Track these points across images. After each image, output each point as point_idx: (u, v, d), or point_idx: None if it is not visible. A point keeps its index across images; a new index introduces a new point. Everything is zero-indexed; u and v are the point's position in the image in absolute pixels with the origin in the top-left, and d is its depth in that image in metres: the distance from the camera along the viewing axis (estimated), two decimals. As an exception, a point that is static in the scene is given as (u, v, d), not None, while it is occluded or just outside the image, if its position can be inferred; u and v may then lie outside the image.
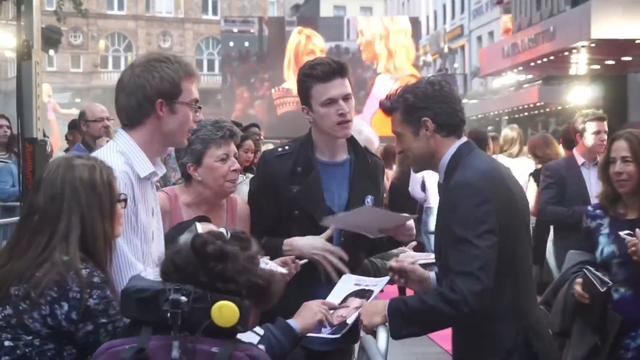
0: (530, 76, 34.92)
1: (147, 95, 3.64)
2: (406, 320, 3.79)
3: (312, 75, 4.43)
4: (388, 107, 3.98)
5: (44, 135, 9.63)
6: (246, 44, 45.96)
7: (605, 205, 4.83)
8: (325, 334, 3.86)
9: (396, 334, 3.81)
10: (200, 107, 3.82)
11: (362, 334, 3.91)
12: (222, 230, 3.05)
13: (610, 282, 4.44)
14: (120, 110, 3.74)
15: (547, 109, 33.85)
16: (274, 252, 4.29)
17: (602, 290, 4.38)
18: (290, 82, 40.40)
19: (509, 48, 31.05)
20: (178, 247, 3.04)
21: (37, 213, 3.24)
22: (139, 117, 3.69)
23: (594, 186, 7.17)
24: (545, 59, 28.25)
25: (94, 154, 3.74)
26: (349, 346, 4.54)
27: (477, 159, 3.91)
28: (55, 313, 3.09)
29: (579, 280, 4.53)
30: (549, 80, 33.11)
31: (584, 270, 4.50)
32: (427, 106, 3.87)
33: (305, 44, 43.57)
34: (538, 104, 33.87)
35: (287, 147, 4.58)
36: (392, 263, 4.10)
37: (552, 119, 33.83)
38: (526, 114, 36.22)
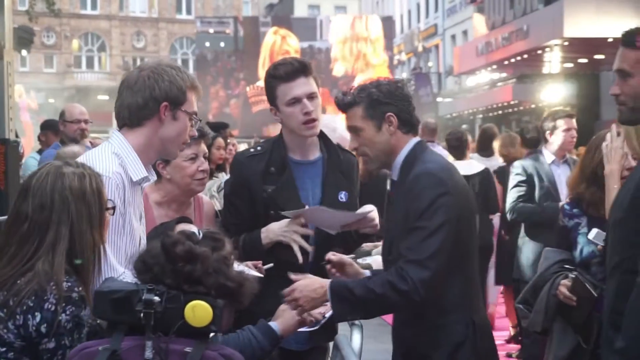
0: (504, 74, 35.11)
1: (155, 95, 3.64)
2: (352, 307, 3.79)
3: (275, 76, 4.47)
4: (348, 101, 3.98)
5: (16, 136, 9.58)
6: (222, 44, 47.02)
7: (584, 205, 4.81)
8: (303, 328, 3.86)
9: (339, 318, 3.87)
10: (198, 121, 3.83)
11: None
12: (194, 230, 3.04)
13: (600, 286, 4.42)
14: (122, 108, 3.70)
15: (521, 107, 33.99)
16: (255, 244, 4.36)
17: (595, 295, 4.38)
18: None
19: (483, 46, 31.21)
20: (149, 246, 3.03)
21: (26, 221, 3.17)
22: (140, 118, 3.67)
23: (563, 184, 7.22)
24: (518, 57, 28.44)
25: (86, 154, 3.73)
26: (324, 344, 4.54)
27: (433, 155, 4.00)
28: (27, 324, 3.01)
29: (566, 282, 4.53)
30: (523, 79, 33.29)
31: (576, 274, 4.51)
32: (392, 102, 3.93)
33: (281, 44, 44.58)
34: (512, 102, 34.01)
35: (259, 148, 4.60)
36: (330, 255, 4.09)
37: (526, 117, 33.95)
38: (500, 112, 36.36)
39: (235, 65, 45.51)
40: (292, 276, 3.89)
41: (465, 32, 48.47)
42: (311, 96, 4.44)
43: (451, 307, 3.80)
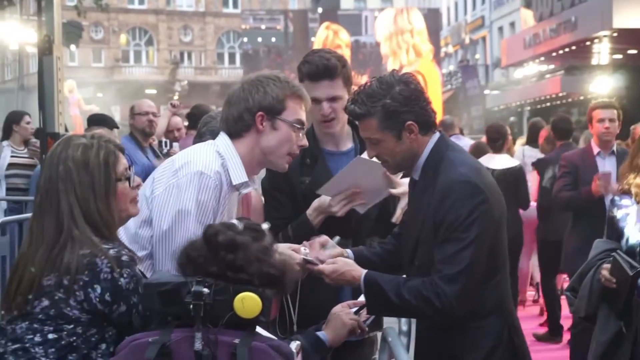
0: (552, 66, 34.76)
1: (249, 107, 3.68)
2: (385, 308, 3.75)
3: (301, 71, 4.48)
4: (359, 114, 3.75)
5: (66, 130, 9.68)
6: (273, 39, 49.40)
7: (634, 195, 4.78)
8: (352, 338, 3.82)
9: (373, 312, 3.80)
10: (304, 129, 3.81)
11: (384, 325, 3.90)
12: (234, 221, 3.05)
13: (639, 266, 4.42)
14: (222, 122, 3.77)
15: (570, 99, 33.66)
16: (304, 228, 4.35)
17: (630, 274, 4.38)
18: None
19: (531, 38, 30.94)
20: (192, 239, 3.05)
21: (39, 192, 3.27)
22: (239, 130, 3.71)
23: (611, 176, 7.16)
24: (567, 49, 28.14)
25: (190, 148, 3.81)
26: (372, 335, 4.53)
27: (460, 154, 3.82)
28: (89, 297, 3.09)
29: (607, 265, 4.51)
30: (571, 71, 32.95)
31: (614, 254, 4.49)
32: (409, 109, 3.70)
33: (333, 39, 45.62)
34: (560, 95, 33.70)
35: None
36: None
37: (575, 109, 33.64)
38: (548, 104, 36.04)
39: (286, 60, 45.94)
40: (322, 267, 3.84)
41: (512, 24, 48.10)
42: (333, 99, 4.42)
43: (486, 311, 3.73)
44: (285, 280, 3.03)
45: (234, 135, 3.72)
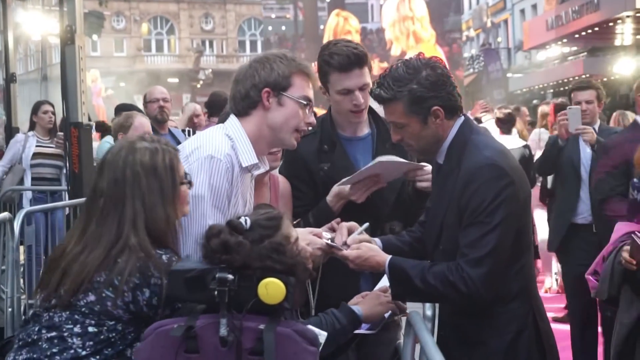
0: (574, 48, 34.55)
1: (255, 83, 3.69)
2: (410, 293, 3.74)
3: (330, 64, 4.45)
4: (386, 97, 3.72)
5: (89, 120, 9.71)
6: (283, 27, 53.25)
7: None
8: (363, 329, 3.82)
9: (397, 297, 3.79)
10: (311, 106, 3.81)
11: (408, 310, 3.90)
12: (242, 219, 3.06)
13: None
14: (230, 100, 3.79)
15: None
16: (325, 213, 4.36)
17: None
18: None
19: (553, 20, 30.74)
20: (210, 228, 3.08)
21: (102, 196, 3.26)
22: (246, 107, 3.72)
23: None
24: (589, 30, 27.94)
25: (199, 134, 3.83)
26: (397, 319, 4.53)
27: (484, 137, 3.80)
28: (137, 299, 3.12)
29: (627, 247, 4.50)
30: (594, 52, 32.74)
31: (632, 235, 4.47)
32: (436, 94, 3.67)
33: (343, 25, 48.76)
34: (583, 76, 33.52)
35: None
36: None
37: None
38: (571, 86, 35.86)
39: (295, 48, 46.95)
40: (346, 252, 3.81)
41: (534, 6, 47.82)
42: (363, 88, 4.42)
43: (511, 295, 3.71)
44: (297, 273, 3.03)
45: (241, 113, 3.73)
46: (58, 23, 10.70)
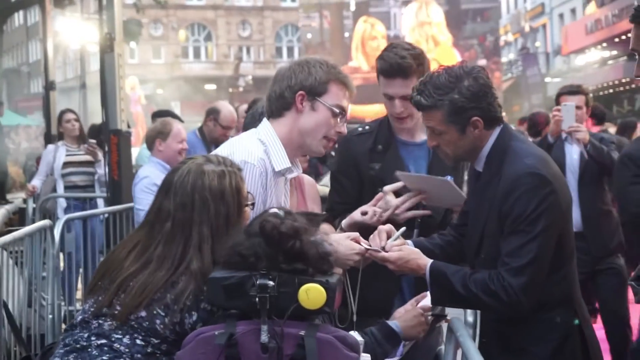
0: (614, 52, 34.32)
1: (291, 85, 3.69)
2: (450, 299, 3.69)
3: (378, 66, 4.43)
4: (425, 105, 3.66)
5: (128, 126, 9.77)
6: (309, 35, 57.03)
7: None
8: (397, 356, 3.80)
9: (437, 303, 3.76)
10: (344, 116, 3.78)
11: (449, 316, 3.86)
12: (275, 210, 3.06)
13: None
14: (266, 100, 3.80)
15: (633, 85, 33.21)
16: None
17: None
18: (357, 61, 51.10)
19: (592, 24, 30.60)
20: (234, 242, 3.04)
21: (169, 219, 3.23)
22: (280, 107, 3.72)
23: None
24: (629, 34, 27.73)
25: (233, 140, 3.84)
26: (438, 326, 4.49)
27: (524, 144, 3.75)
28: (184, 322, 3.10)
29: None
30: (634, 56, 32.49)
31: None
32: (477, 105, 3.61)
33: (370, 31, 52.32)
34: (623, 81, 33.26)
35: (367, 127, 4.57)
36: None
37: (638, 95, 33.19)
38: (611, 90, 35.59)
39: (322, 54, 48.07)
40: (387, 254, 3.73)
41: (573, 11, 47.54)
42: (404, 97, 4.31)
43: (554, 302, 3.66)
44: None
45: (275, 113, 3.73)
46: (97, 31, 10.78)
